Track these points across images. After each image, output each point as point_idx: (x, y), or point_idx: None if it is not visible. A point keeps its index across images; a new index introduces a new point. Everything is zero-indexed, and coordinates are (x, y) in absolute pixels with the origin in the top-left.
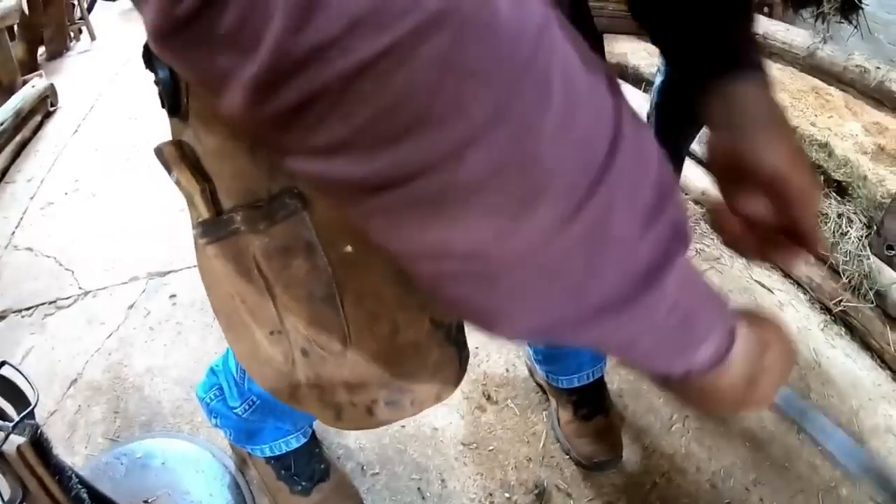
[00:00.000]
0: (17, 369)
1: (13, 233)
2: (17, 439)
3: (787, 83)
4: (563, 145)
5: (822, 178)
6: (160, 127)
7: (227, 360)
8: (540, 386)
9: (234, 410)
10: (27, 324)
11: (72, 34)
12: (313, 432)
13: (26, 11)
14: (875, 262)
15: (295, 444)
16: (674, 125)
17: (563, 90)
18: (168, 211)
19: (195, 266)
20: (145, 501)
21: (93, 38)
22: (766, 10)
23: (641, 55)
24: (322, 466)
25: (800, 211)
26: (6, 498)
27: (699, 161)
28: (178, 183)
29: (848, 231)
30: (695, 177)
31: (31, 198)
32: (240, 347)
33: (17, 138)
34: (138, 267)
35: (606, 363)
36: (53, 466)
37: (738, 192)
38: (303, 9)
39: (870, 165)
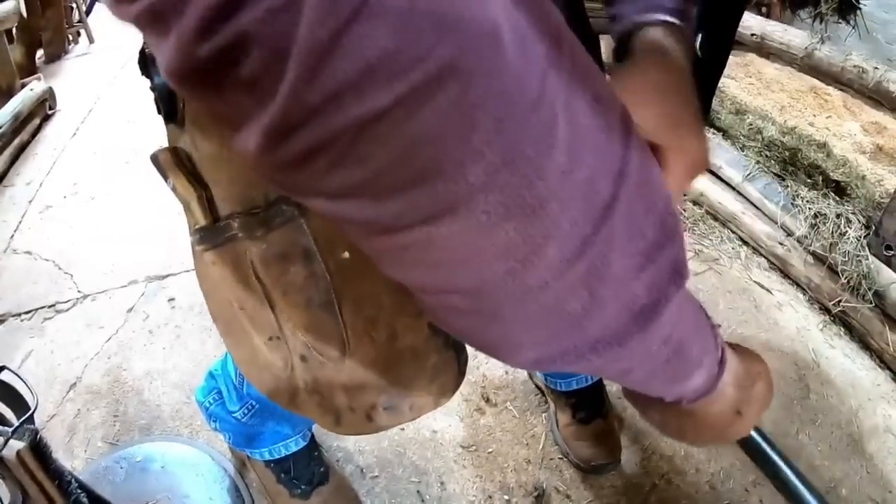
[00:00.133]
0: (17, 374)
1: (12, 236)
2: (16, 444)
3: (785, 83)
4: (569, 186)
5: (820, 178)
6: (158, 130)
7: (225, 365)
8: (539, 388)
9: (234, 414)
10: (26, 327)
11: (70, 37)
12: (312, 436)
13: (24, 14)
14: (874, 262)
15: (294, 448)
16: None
17: (569, 129)
18: (167, 214)
19: (194, 270)
20: None
21: (91, 40)
22: (763, 10)
23: None
24: (321, 470)
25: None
26: (6, 503)
27: None
28: (174, 190)
29: (846, 231)
30: None
31: (30, 201)
32: (238, 353)
33: (16, 141)
34: (137, 270)
35: None
36: (53, 471)
37: None
38: (318, 58)
39: (868, 165)
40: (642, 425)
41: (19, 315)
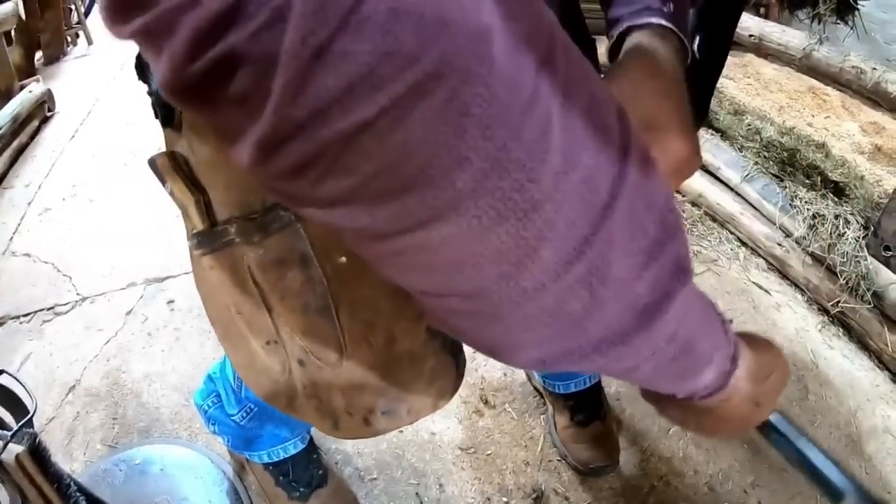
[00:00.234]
0: (16, 378)
1: (11, 239)
2: (15, 448)
3: (783, 83)
4: (565, 188)
5: (819, 178)
6: (157, 132)
7: (224, 368)
8: (537, 390)
9: (232, 417)
10: (25, 330)
11: (69, 39)
12: (311, 438)
13: (23, 16)
14: (872, 262)
15: (293, 451)
16: None
17: (565, 131)
18: (165, 216)
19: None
20: None
21: (90, 42)
22: (762, 10)
23: None
24: (320, 472)
25: None
26: None
27: None
28: (172, 194)
29: (845, 232)
30: (691, 178)
31: (29, 203)
32: (237, 357)
33: (15, 144)
34: (136, 273)
35: None
36: (52, 475)
37: None
38: (301, 76)
39: (867, 165)
40: (641, 427)
41: (18, 317)
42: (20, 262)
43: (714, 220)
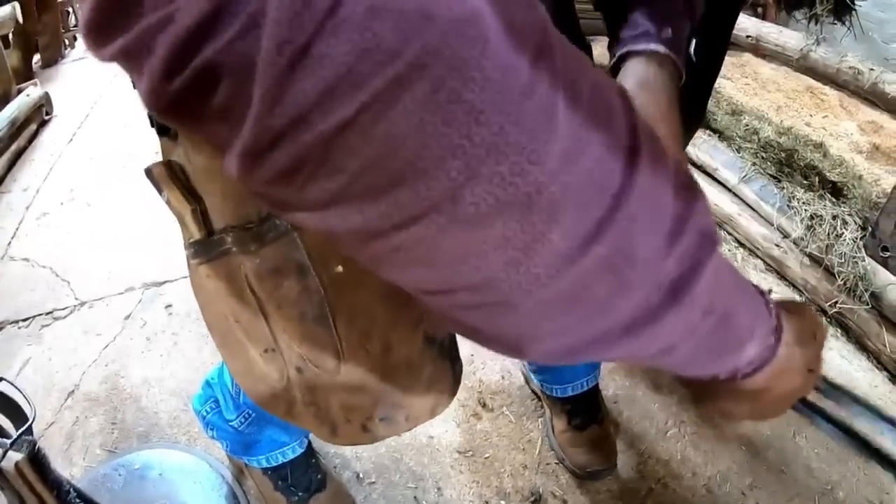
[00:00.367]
0: (15, 385)
1: (9, 243)
2: (15, 456)
3: (781, 83)
4: (573, 171)
5: (817, 179)
6: (154, 137)
7: (222, 374)
8: (535, 393)
9: (231, 423)
10: (24, 335)
11: (66, 42)
12: (309, 443)
13: (20, 19)
14: (870, 263)
15: (291, 455)
16: None
17: (570, 114)
18: (163, 220)
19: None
20: None
21: None
22: (759, 10)
23: None
24: (319, 476)
25: None
26: None
27: (693, 164)
28: (168, 203)
29: (843, 233)
30: None
31: (27, 208)
32: (235, 365)
33: (13, 147)
34: (134, 277)
35: (600, 371)
36: (51, 482)
37: None
38: (278, 84)
39: (865, 165)
40: (639, 429)
41: (17, 322)
42: (19, 266)
43: None
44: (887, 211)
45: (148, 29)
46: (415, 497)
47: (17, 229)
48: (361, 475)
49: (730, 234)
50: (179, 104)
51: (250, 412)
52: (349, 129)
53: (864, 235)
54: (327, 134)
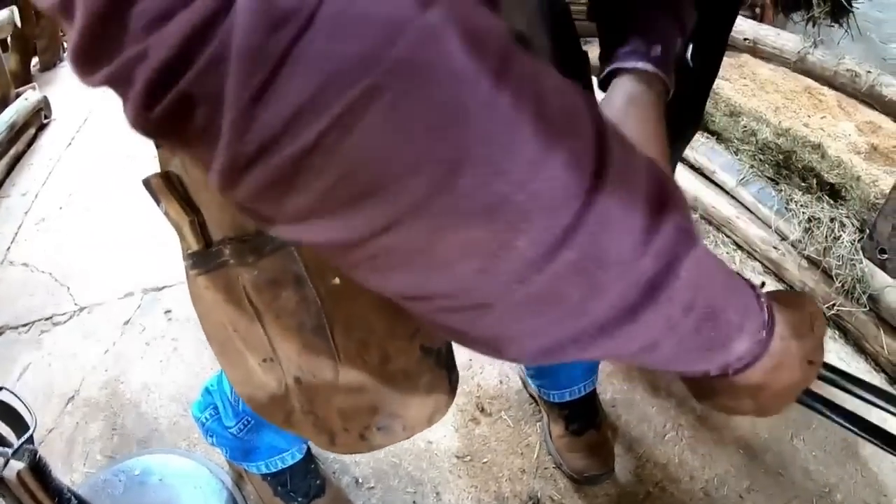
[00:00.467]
0: (15, 394)
1: (8, 248)
2: (16, 465)
3: (779, 83)
4: (538, 179)
5: (814, 181)
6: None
7: (221, 381)
8: (533, 397)
9: (230, 430)
10: (24, 340)
11: (65, 45)
12: (309, 448)
13: (18, 23)
14: (868, 265)
15: (291, 461)
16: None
17: (535, 123)
18: (162, 225)
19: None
20: None
21: None
22: (757, 10)
23: None
24: (318, 482)
25: None
26: None
27: (691, 166)
28: (166, 214)
29: (840, 235)
30: (687, 182)
31: (26, 212)
32: (234, 374)
33: (11, 152)
34: (133, 282)
35: (598, 375)
36: (53, 490)
37: None
38: (244, 115)
39: (863, 166)
40: (636, 433)
41: (17, 328)
42: (18, 271)
43: (710, 223)
44: (885, 213)
45: (127, 62)
46: (414, 502)
47: (16, 234)
48: (360, 480)
49: (728, 236)
50: (161, 128)
51: (249, 419)
52: (314, 152)
53: (862, 238)
54: (294, 156)
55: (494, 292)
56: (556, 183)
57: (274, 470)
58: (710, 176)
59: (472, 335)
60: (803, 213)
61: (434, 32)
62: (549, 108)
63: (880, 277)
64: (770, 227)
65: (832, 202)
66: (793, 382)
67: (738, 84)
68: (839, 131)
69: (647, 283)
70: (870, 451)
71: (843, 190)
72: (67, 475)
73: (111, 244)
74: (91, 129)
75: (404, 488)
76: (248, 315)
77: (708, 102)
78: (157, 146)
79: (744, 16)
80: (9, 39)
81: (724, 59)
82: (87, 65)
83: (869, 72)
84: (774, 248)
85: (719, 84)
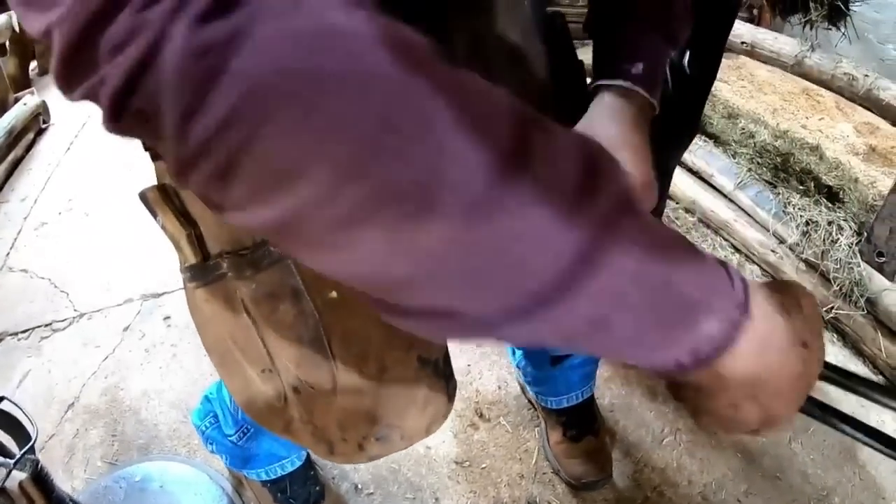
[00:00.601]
0: (16, 404)
1: (8, 254)
2: (18, 475)
3: (777, 85)
4: (451, 163)
5: (812, 184)
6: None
7: (220, 389)
8: (531, 403)
9: (229, 438)
10: (24, 347)
11: None
12: (308, 455)
13: (17, 28)
14: (866, 268)
15: (290, 468)
16: (660, 139)
17: (453, 106)
18: (160, 231)
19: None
20: None
21: None
22: (754, 12)
23: None
24: (317, 489)
25: None
26: None
27: (689, 170)
28: (163, 228)
29: (838, 238)
30: (685, 185)
31: (25, 218)
32: (233, 384)
33: (10, 157)
34: (132, 288)
35: (596, 381)
36: (55, 499)
37: None
38: (178, 131)
39: (861, 167)
40: (634, 438)
41: (16, 334)
42: (17, 277)
43: (708, 226)
44: (882, 217)
45: (92, 86)
46: None
47: (15, 240)
48: (360, 486)
49: (726, 239)
50: (129, 133)
51: (249, 427)
52: (239, 153)
53: (860, 241)
54: (222, 160)
55: (413, 271)
56: (464, 167)
57: (273, 477)
58: (708, 179)
59: (410, 313)
60: (801, 216)
61: (340, 35)
62: (466, 101)
63: (878, 280)
64: (768, 231)
65: (830, 205)
66: (792, 372)
67: (735, 86)
68: (837, 132)
69: (580, 253)
70: (868, 454)
71: (841, 192)
72: (68, 482)
73: (111, 250)
74: (90, 134)
75: (403, 494)
76: (247, 327)
77: (706, 105)
78: (154, 159)
79: (741, 19)
80: (7, 44)
81: (722, 60)
82: (66, 85)
83: (866, 75)
84: (772, 251)
85: (717, 86)
